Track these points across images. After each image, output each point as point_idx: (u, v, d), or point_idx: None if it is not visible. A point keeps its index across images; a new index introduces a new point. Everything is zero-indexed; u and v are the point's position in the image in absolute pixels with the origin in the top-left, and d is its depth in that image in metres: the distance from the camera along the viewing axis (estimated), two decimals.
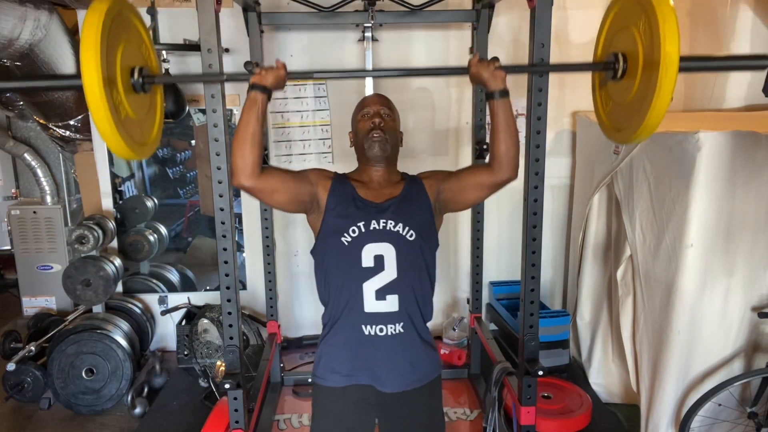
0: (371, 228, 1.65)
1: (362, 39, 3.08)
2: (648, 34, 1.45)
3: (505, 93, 1.69)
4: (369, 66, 3.08)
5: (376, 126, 1.74)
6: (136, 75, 1.54)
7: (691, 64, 1.57)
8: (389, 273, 1.63)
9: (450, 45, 3.32)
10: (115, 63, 1.44)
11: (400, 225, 1.66)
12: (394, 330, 1.64)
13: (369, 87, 3.09)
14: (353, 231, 1.64)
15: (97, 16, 1.38)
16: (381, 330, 1.63)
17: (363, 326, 1.64)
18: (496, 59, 1.68)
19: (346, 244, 1.64)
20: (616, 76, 1.60)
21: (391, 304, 1.64)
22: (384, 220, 1.66)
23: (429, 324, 1.75)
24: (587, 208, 3.04)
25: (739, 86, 3.43)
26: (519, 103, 3.38)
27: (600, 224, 3.04)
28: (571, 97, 3.40)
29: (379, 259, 1.63)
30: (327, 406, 1.71)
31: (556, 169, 3.46)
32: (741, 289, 2.41)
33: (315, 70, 1.80)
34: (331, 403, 1.70)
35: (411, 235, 1.66)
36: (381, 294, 1.63)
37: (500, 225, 3.51)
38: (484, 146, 2.85)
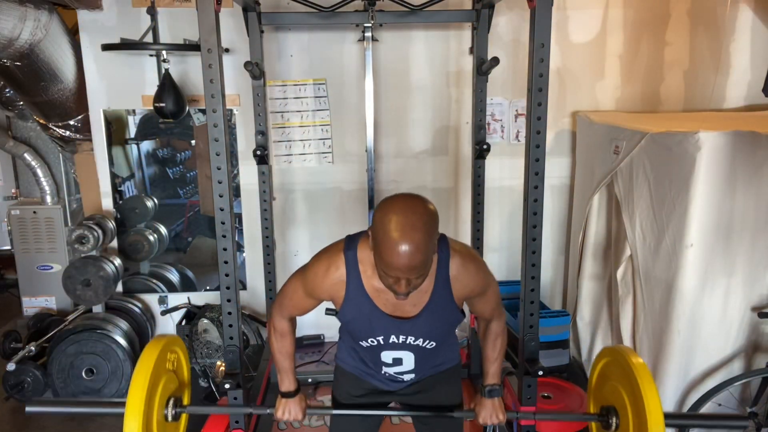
0: (390, 341, 1.61)
1: (362, 39, 3.07)
2: (632, 398, 1.63)
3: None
4: (369, 66, 3.08)
5: (402, 291, 1.39)
6: (171, 408, 1.73)
7: (675, 421, 1.91)
8: (407, 367, 1.69)
9: (450, 45, 3.32)
10: (153, 403, 1.64)
11: (421, 339, 1.60)
12: (411, 376, 1.74)
13: (369, 87, 3.09)
14: (372, 341, 1.63)
15: (146, 363, 1.62)
16: (398, 373, 1.73)
17: (382, 369, 1.73)
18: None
19: (365, 346, 1.66)
20: (610, 429, 1.74)
21: (407, 364, 1.69)
22: (404, 336, 1.59)
23: None
24: (587, 208, 3.04)
25: (739, 86, 3.43)
26: (519, 103, 3.40)
27: (600, 224, 3.04)
28: (571, 97, 3.41)
29: (397, 360, 1.68)
30: (345, 386, 1.83)
31: (556, 169, 3.46)
32: (741, 289, 2.41)
33: None
34: (348, 386, 1.82)
35: (431, 345, 1.63)
36: (399, 373, 1.73)
37: (500, 225, 3.52)
38: (485, 146, 2.85)
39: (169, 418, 1.71)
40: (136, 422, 1.52)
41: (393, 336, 1.59)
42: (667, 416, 1.53)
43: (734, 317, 2.43)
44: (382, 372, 1.72)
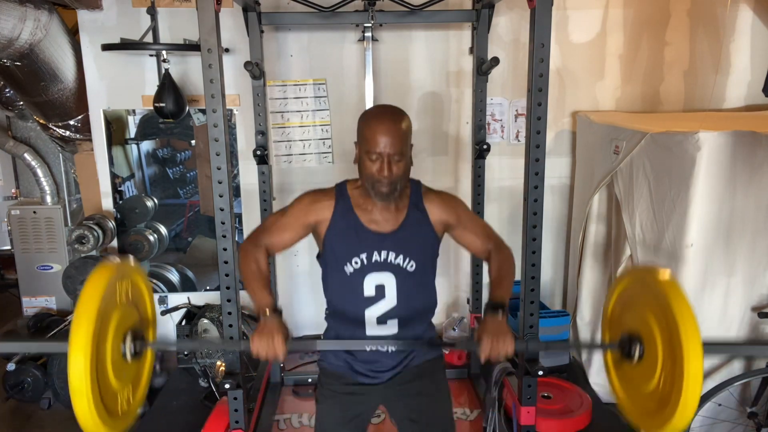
0: (373, 260, 1.65)
1: (362, 39, 3.08)
2: (665, 324, 1.37)
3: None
4: (369, 66, 3.08)
5: (384, 177, 1.55)
6: (128, 343, 1.42)
7: (714, 348, 1.56)
8: (389, 301, 1.67)
9: (450, 45, 3.32)
10: (105, 342, 1.34)
11: (401, 257, 1.65)
12: (393, 347, 1.70)
13: (369, 87, 3.10)
14: (356, 263, 1.65)
15: (90, 293, 1.29)
16: (382, 346, 1.69)
17: (366, 346, 1.70)
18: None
19: (348, 274, 1.66)
20: (631, 359, 1.47)
21: (391, 327, 1.69)
22: (385, 252, 1.65)
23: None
24: (587, 208, 3.04)
25: (739, 86, 3.44)
26: (519, 103, 3.40)
27: (600, 224, 3.04)
28: (571, 97, 3.41)
29: (380, 289, 1.66)
30: (330, 386, 1.76)
31: (556, 169, 3.46)
32: (741, 289, 2.41)
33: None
34: (334, 384, 1.76)
35: (411, 266, 1.67)
36: (382, 319, 1.68)
37: (500, 225, 3.51)
38: (485, 146, 2.85)
39: (128, 356, 1.42)
40: (83, 358, 1.22)
41: (375, 252, 1.64)
42: (707, 344, 1.28)
43: (734, 317, 2.43)
44: (366, 333, 1.68)
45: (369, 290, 1.66)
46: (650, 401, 1.40)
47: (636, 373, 1.47)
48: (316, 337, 3.60)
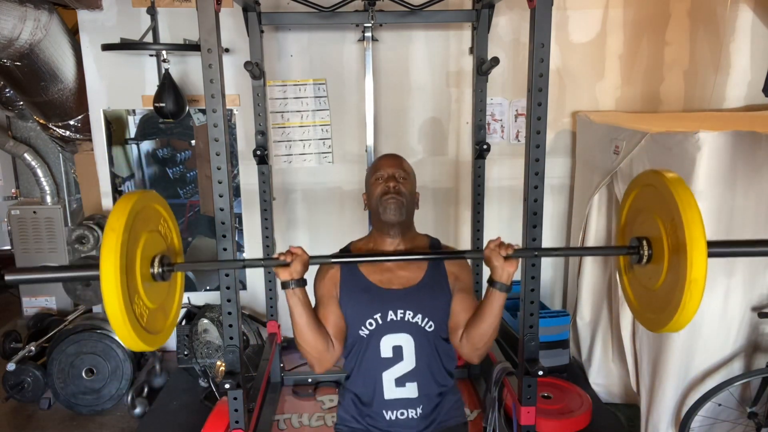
0: (389, 320, 1.62)
1: (362, 39, 3.08)
2: (671, 225, 1.43)
3: (505, 289, 1.58)
4: (369, 66, 3.08)
5: (391, 190, 1.64)
6: (156, 266, 1.47)
7: (719, 250, 1.58)
8: (408, 363, 1.63)
9: (450, 45, 3.32)
10: (134, 260, 1.39)
11: (419, 316, 1.62)
12: (415, 414, 1.65)
13: (369, 87, 3.10)
14: (370, 324, 1.62)
15: (119, 218, 1.32)
16: (402, 414, 1.65)
17: (384, 411, 1.65)
18: (515, 261, 1.56)
19: (364, 336, 1.63)
20: (641, 261, 1.53)
21: (411, 390, 1.65)
22: (402, 311, 1.62)
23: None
24: (587, 208, 3.04)
25: (739, 86, 3.43)
26: (519, 103, 3.40)
27: (600, 224, 3.03)
28: (571, 97, 3.41)
29: (397, 350, 1.63)
30: None
31: (556, 169, 3.46)
32: (741, 289, 2.41)
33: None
34: None
35: (429, 327, 1.63)
36: (400, 382, 1.64)
37: (500, 225, 3.51)
38: (485, 146, 2.85)
39: (157, 276, 1.48)
40: (114, 280, 1.26)
41: (391, 312, 1.61)
42: (711, 244, 1.36)
43: (734, 317, 2.43)
44: (384, 398, 1.64)
45: (386, 351, 1.63)
46: (657, 300, 1.47)
47: (645, 275, 1.54)
48: None
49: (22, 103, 3.57)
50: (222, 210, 1.97)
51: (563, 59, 3.35)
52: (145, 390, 3.09)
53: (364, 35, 3.04)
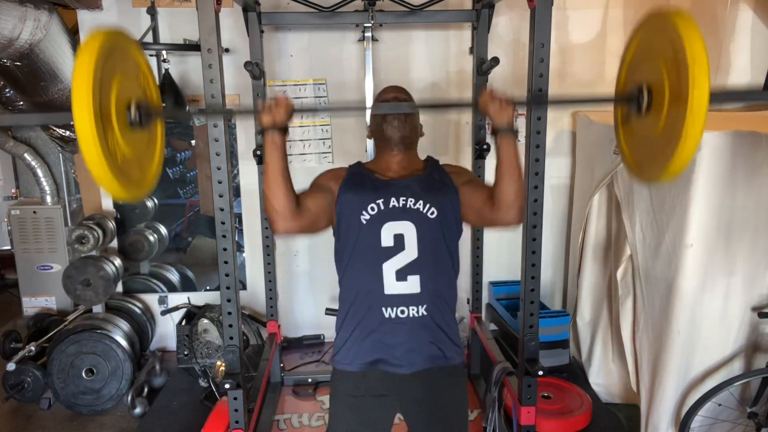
0: (391, 206, 1.59)
1: (362, 39, 3.08)
2: (674, 68, 1.34)
3: (509, 130, 1.55)
4: (369, 66, 3.08)
5: (392, 100, 1.74)
6: (133, 111, 1.42)
7: (722, 97, 1.52)
8: (410, 253, 1.57)
9: (450, 45, 3.32)
10: (109, 102, 1.33)
11: (421, 202, 1.60)
12: (417, 312, 1.57)
13: (369, 87, 3.09)
14: (372, 209, 1.60)
15: (88, 55, 1.26)
16: (402, 312, 1.57)
17: (383, 309, 1.57)
18: (510, 103, 1.63)
19: (365, 222, 1.59)
20: (640, 110, 1.46)
21: (412, 285, 1.57)
22: (404, 198, 1.60)
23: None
24: (587, 208, 3.04)
25: (739, 86, 3.43)
26: None
27: (600, 224, 3.04)
28: None
29: (398, 238, 1.57)
30: (345, 391, 1.65)
31: (556, 169, 3.46)
32: (741, 289, 2.41)
33: (320, 108, 1.76)
34: (348, 389, 1.64)
35: (432, 213, 1.59)
36: (401, 275, 1.57)
37: None
38: (485, 146, 2.85)
39: (136, 125, 1.41)
40: (88, 118, 1.19)
41: (393, 198, 1.60)
42: (713, 95, 1.30)
43: (734, 317, 2.43)
44: (385, 293, 1.56)
45: (387, 240, 1.56)
46: (654, 146, 1.43)
47: (643, 126, 1.50)
48: (317, 338, 3.61)
49: (22, 103, 3.57)
50: (222, 210, 1.98)
51: (563, 59, 3.35)
52: (145, 390, 3.09)
53: (364, 35, 3.05)
